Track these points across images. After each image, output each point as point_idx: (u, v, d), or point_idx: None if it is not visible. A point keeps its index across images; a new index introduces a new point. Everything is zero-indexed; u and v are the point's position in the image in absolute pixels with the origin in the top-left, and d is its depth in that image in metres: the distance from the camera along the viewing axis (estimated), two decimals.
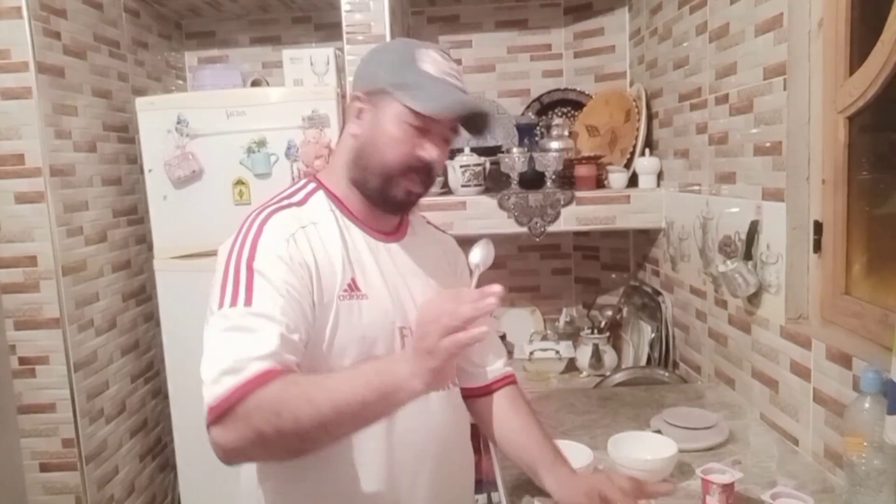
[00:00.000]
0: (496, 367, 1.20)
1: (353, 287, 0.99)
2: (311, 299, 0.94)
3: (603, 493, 1.01)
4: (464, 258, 1.17)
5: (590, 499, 1.02)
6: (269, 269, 0.91)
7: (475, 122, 1.03)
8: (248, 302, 0.88)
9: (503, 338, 2.32)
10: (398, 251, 1.08)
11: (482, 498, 2.11)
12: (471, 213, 2.13)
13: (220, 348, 0.87)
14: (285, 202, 1.01)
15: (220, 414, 0.84)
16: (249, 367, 0.83)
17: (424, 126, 0.98)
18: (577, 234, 2.67)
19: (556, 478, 1.09)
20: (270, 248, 0.93)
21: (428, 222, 1.23)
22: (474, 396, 1.19)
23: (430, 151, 0.99)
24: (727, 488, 1.09)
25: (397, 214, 1.09)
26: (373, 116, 1.00)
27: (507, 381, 1.21)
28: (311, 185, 1.05)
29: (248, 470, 1.06)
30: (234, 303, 0.88)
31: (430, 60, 0.99)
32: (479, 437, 1.55)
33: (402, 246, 1.09)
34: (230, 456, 0.88)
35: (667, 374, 1.95)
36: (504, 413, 1.18)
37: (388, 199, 1.02)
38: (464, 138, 1.28)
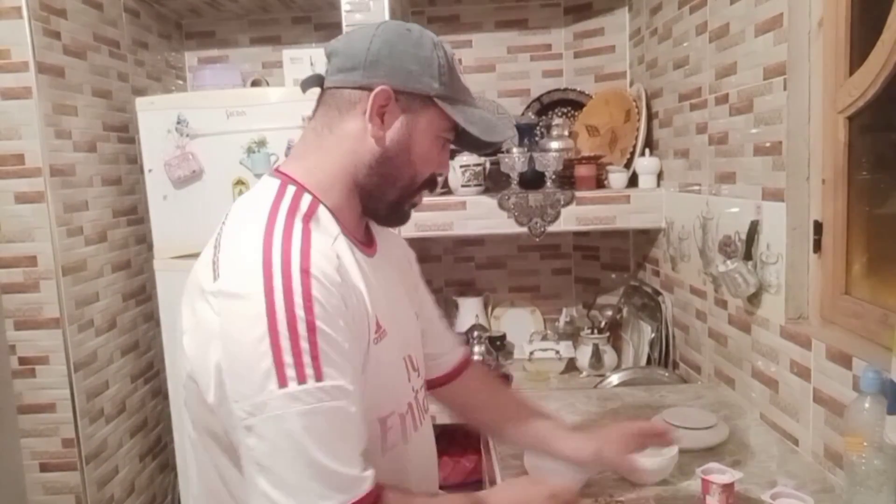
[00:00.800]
0: (455, 354, 1.18)
1: (379, 326, 0.86)
2: (362, 357, 0.81)
3: (606, 457, 1.07)
4: (409, 248, 1.15)
5: (597, 458, 1.07)
6: (331, 328, 0.72)
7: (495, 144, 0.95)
8: (319, 377, 0.70)
9: (503, 338, 2.33)
10: (379, 265, 0.93)
11: None
12: (471, 213, 2.13)
13: (308, 446, 0.69)
14: (307, 222, 0.80)
15: None
16: (363, 482, 0.72)
17: (449, 140, 0.91)
18: (577, 234, 2.67)
19: (567, 441, 1.12)
20: (327, 299, 0.73)
21: None
22: (440, 385, 1.15)
23: (446, 167, 0.93)
24: (727, 488, 1.09)
25: (394, 227, 0.99)
26: (403, 122, 0.86)
27: (468, 363, 1.20)
28: (307, 198, 0.84)
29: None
30: (302, 378, 0.69)
31: (460, 69, 0.90)
32: (480, 438, 1.55)
33: (379, 258, 0.95)
34: None
35: (667, 374, 1.95)
36: (476, 390, 1.18)
37: (396, 213, 0.93)
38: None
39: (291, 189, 0.84)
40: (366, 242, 0.93)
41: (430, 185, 0.92)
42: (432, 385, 1.14)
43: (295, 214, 0.80)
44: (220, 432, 0.77)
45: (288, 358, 0.69)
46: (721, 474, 1.11)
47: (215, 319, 0.73)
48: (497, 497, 0.91)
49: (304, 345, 0.70)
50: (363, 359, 0.81)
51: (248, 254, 0.74)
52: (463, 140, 0.92)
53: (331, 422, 0.70)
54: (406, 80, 0.85)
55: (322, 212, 0.84)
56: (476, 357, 2.24)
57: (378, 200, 0.89)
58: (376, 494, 0.73)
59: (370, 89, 0.84)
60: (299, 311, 0.70)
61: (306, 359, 0.69)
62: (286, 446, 0.68)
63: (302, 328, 0.70)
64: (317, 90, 0.91)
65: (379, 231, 1.00)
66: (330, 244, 0.81)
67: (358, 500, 0.71)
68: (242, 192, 2.14)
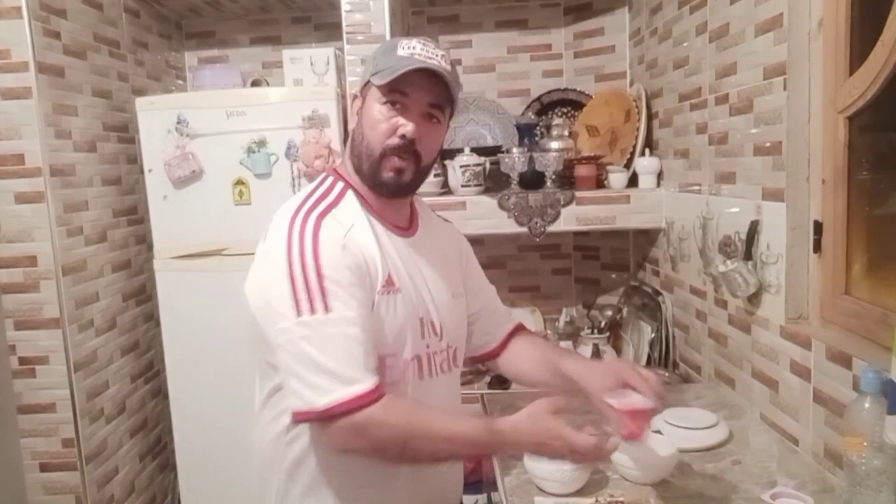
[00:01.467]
0: (506, 327, 1.36)
1: (389, 282, 1.05)
2: (370, 300, 1.01)
3: (623, 378, 1.09)
4: (466, 242, 1.34)
5: (609, 379, 1.10)
6: (338, 275, 0.96)
7: (442, 88, 1.05)
8: (328, 309, 0.93)
9: None
10: (414, 246, 1.14)
11: (482, 498, 2.11)
12: (471, 213, 2.13)
13: (317, 355, 0.92)
14: (322, 204, 1.05)
15: (334, 417, 0.91)
16: (363, 381, 0.92)
17: (401, 103, 1.04)
18: (577, 234, 2.67)
19: (577, 361, 1.23)
20: (332, 255, 0.97)
21: (433, 212, 1.30)
22: (496, 356, 1.33)
23: (404, 125, 1.04)
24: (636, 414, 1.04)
25: (394, 198, 1.11)
26: (362, 107, 1.09)
27: (517, 331, 1.36)
28: (340, 184, 1.09)
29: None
30: (313, 310, 0.93)
31: (408, 47, 1.04)
32: None
33: (417, 240, 1.15)
34: (342, 451, 0.98)
35: (667, 374, 1.95)
36: (527, 352, 1.31)
37: (380, 182, 1.07)
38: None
39: (329, 180, 1.10)
40: (402, 226, 1.14)
41: (401, 148, 1.04)
42: (490, 356, 1.34)
43: (319, 202, 1.04)
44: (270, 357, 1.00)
45: (302, 296, 0.93)
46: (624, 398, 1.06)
47: (260, 265, 1.02)
48: (518, 434, 0.99)
49: (314, 286, 0.93)
50: (371, 301, 1.01)
51: (280, 225, 1.00)
52: (437, 95, 1.06)
53: (336, 339, 0.92)
54: (362, 78, 1.11)
55: (349, 196, 1.08)
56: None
57: (363, 175, 1.09)
58: (379, 393, 0.92)
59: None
60: (309, 262, 0.94)
61: (316, 296, 0.93)
62: (304, 356, 0.92)
63: (313, 275, 0.94)
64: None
65: (431, 223, 1.23)
66: (344, 220, 1.03)
67: (360, 394, 0.91)
68: (242, 192, 2.16)
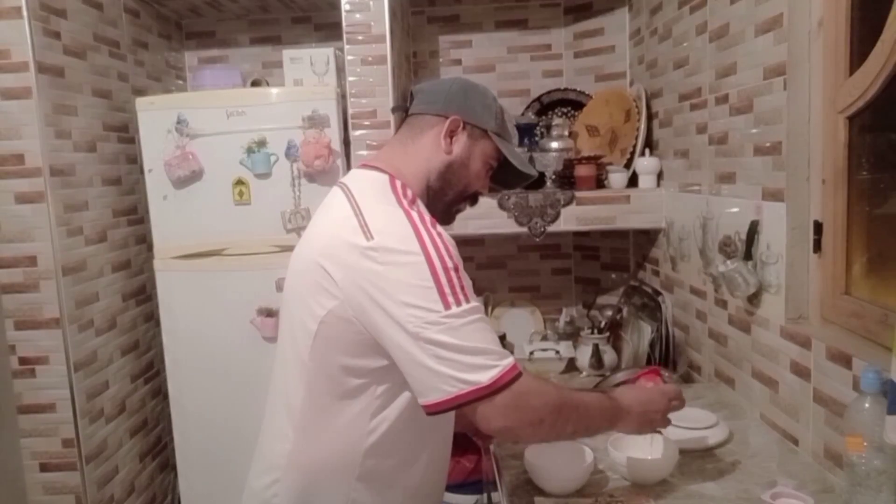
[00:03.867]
0: None
1: None
2: None
3: None
4: None
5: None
6: (462, 270, 1.03)
7: (522, 179, 1.26)
8: (468, 299, 0.99)
9: (503, 338, 2.32)
10: None
11: (482, 498, 2.11)
12: (471, 212, 2.08)
13: (467, 343, 0.96)
14: (414, 205, 1.09)
15: (497, 391, 0.96)
16: (508, 358, 0.98)
17: (493, 167, 1.20)
18: (577, 234, 2.67)
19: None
20: (455, 252, 1.03)
21: None
22: None
23: (487, 188, 1.22)
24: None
25: (443, 225, 1.18)
26: (466, 144, 1.15)
27: None
28: (409, 189, 1.12)
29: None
30: (458, 302, 0.97)
31: (509, 118, 1.24)
32: (479, 438, 1.55)
33: None
34: (503, 431, 1.01)
35: (667, 374, 1.95)
36: None
37: (447, 214, 1.19)
38: None
39: (398, 181, 1.11)
40: None
41: (473, 198, 1.22)
42: None
43: (409, 200, 1.09)
44: (354, 346, 1.03)
45: (447, 289, 0.97)
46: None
47: (378, 266, 0.98)
48: (625, 397, 1.13)
49: (455, 280, 0.99)
50: None
51: (400, 225, 1.02)
52: (499, 172, 1.22)
53: (477, 324, 0.98)
54: (472, 116, 1.16)
55: (419, 203, 1.12)
56: None
57: (439, 200, 1.16)
58: (518, 369, 0.99)
59: (446, 116, 1.14)
60: (447, 259, 0.99)
61: (457, 289, 0.98)
62: (456, 342, 0.96)
63: (452, 270, 0.99)
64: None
65: None
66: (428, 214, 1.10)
67: (509, 367, 0.97)
68: (242, 192, 2.16)
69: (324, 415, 1.07)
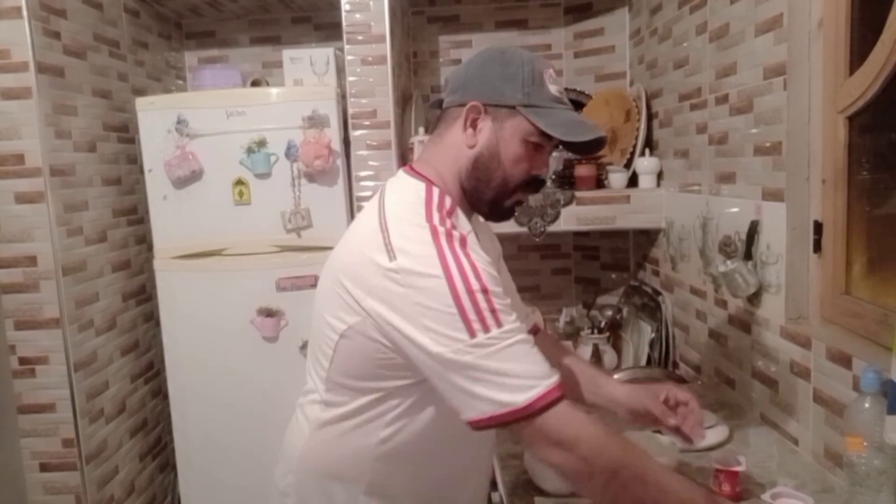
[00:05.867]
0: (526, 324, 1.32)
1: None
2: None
3: (646, 408, 1.18)
4: (497, 240, 1.37)
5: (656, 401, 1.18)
6: (496, 288, 0.93)
7: (593, 144, 1.08)
8: (499, 323, 0.91)
9: None
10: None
11: None
12: None
13: (510, 363, 0.90)
14: (450, 218, 1.00)
15: (533, 414, 0.89)
16: (553, 376, 0.91)
17: (541, 144, 1.04)
18: (577, 234, 2.67)
19: (619, 386, 1.25)
20: (487, 269, 0.94)
21: None
22: None
23: (544, 168, 1.07)
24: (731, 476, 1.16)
25: (499, 222, 1.13)
26: (492, 130, 1.03)
27: (534, 332, 1.32)
28: (448, 199, 1.03)
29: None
30: (486, 328, 0.90)
31: (553, 82, 1.04)
32: None
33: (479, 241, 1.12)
34: (555, 471, 0.94)
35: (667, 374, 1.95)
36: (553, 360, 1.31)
37: (498, 210, 1.08)
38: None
39: (436, 190, 1.02)
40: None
41: (534, 184, 1.07)
42: None
43: (444, 213, 0.99)
44: (373, 363, 0.99)
45: (472, 315, 0.90)
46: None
47: (399, 289, 0.93)
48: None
49: (482, 303, 0.90)
50: None
51: (423, 245, 0.94)
52: (559, 142, 1.05)
53: (514, 348, 0.90)
54: (492, 94, 1.02)
55: (458, 210, 1.03)
56: None
57: (479, 200, 1.06)
58: (561, 388, 0.91)
59: (465, 104, 1.02)
60: (472, 282, 0.91)
61: (485, 313, 0.90)
62: (490, 365, 0.89)
63: (479, 293, 0.90)
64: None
65: (478, 223, 1.17)
66: (464, 226, 1.01)
67: (554, 386, 0.90)
68: (242, 192, 2.16)
69: (338, 419, 1.07)
